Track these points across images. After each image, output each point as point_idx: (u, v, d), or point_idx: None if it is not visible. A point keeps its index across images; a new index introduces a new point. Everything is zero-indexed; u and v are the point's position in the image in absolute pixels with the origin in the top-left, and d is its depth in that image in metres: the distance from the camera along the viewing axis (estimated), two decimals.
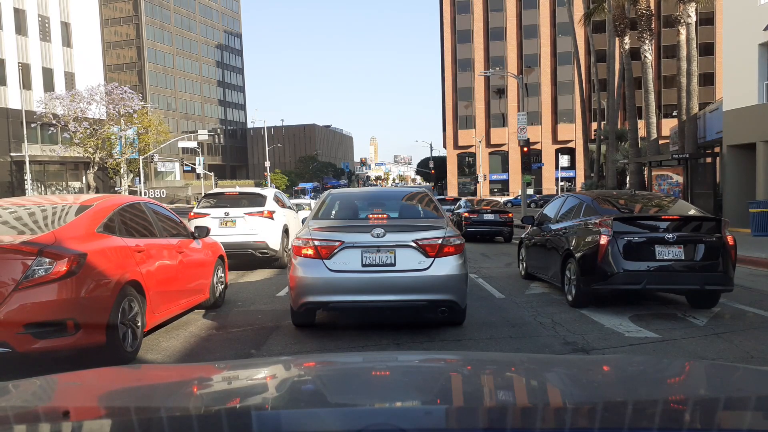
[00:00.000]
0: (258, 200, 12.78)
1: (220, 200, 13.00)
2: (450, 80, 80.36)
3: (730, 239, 7.50)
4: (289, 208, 14.53)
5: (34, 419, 1.48)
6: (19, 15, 47.94)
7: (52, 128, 45.01)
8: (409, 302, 6.27)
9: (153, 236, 6.51)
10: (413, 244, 6.13)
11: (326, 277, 6.07)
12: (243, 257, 12.34)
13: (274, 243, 12.36)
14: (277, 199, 13.30)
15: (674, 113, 36.37)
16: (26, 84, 47.38)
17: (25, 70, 47.87)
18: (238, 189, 14.52)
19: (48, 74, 50.11)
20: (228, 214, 12.32)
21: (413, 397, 1.66)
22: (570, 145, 76.19)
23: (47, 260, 4.72)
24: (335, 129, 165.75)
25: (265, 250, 12.28)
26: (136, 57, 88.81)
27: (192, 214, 12.59)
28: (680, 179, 23.43)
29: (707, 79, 62.90)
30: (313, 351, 5.91)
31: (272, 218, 12.45)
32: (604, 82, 36.75)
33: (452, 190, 77.67)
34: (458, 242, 6.28)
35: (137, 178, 52.41)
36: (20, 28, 48.02)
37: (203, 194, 14.09)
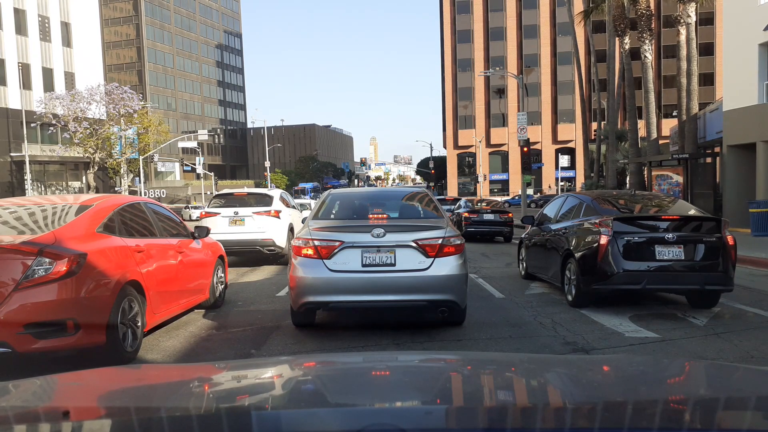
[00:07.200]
0: (265, 200, 13.58)
1: (229, 200, 13.79)
2: (450, 80, 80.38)
3: (730, 239, 7.50)
4: (294, 207, 15.29)
5: (34, 419, 1.48)
6: (19, 15, 47.94)
7: (52, 128, 44.97)
8: (409, 302, 6.27)
9: (153, 236, 6.51)
10: (413, 244, 6.13)
11: (326, 277, 6.07)
12: (248, 254, 13.19)
13: (281, 240, 13.05)
14: (282, 200, 14.09)
15: (674, 113, 36.37)
16: (26, 84, 47.37)
17: (25, 70, 47.86)
18: (246, 189, 15.54)
19: (48, 74, 50.12)
20: (237, 213, 13.04)
21: (413, 397, 1.66)
22: (570, 145, 76.21)
23: (47, 260, 4.72)
24: (335, 129, 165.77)
25: (272, 248, 13.00)
26: (136, 57, 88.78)
27: (203, 213, 13.41)
28: (680, 179, 23.44)
29: (707, 79, 62.90)
30: (313, 351, 5.91)
31: (279, 217, 13.16)
32: (604, 82, 36.73)
33: (452, 190, 77.67)
34: (458, 242, 6.27)
35: (137, 178, 52.37)
36: (20, 28, 48.02)
37: (214, 194, 15.02)
